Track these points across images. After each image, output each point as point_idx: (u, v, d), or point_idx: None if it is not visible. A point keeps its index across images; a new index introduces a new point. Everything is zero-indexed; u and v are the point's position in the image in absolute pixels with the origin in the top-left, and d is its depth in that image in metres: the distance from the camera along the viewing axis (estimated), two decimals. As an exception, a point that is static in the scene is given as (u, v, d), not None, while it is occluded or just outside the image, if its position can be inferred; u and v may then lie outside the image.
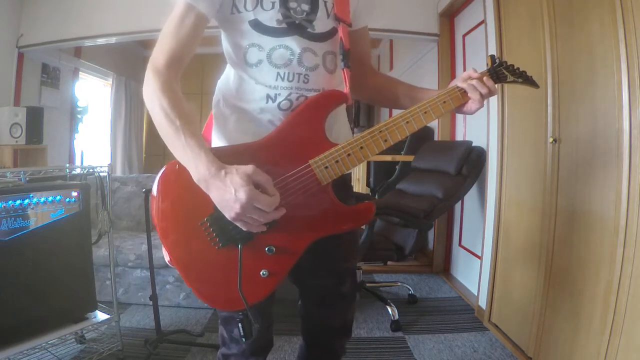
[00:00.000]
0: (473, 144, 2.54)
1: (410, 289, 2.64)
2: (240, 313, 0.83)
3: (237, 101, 0.90)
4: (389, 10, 3.08)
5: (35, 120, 3.28)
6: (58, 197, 1.67)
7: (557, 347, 1.59)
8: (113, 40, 3.35)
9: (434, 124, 3.34)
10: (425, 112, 0.88)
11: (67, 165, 2.35)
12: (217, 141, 0.93)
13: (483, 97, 0.89)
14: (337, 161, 0.84)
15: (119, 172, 5.03)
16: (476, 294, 2.42)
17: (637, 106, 1.23)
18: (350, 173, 1.00)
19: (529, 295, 1.80)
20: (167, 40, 0.83)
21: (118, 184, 3.07)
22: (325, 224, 0.86)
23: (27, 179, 1.72)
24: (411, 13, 3.09)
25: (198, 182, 0.74)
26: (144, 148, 5.70)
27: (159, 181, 0.84)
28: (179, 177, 0.81)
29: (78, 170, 2.11)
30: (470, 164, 2.44)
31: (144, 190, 1.98)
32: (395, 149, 3.54)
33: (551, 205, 1.66)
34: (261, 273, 0.82)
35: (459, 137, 3.05)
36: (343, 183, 0.95)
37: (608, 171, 1.35)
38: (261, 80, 0.88)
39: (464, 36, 2.93)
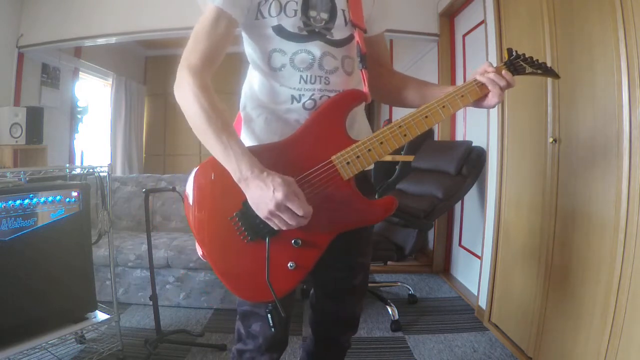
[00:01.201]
0: (473, 144, 2.54)
1: (410, 289, 2.65)
2: (270, 305, 0.87)
3: (263, 104, 0.95)
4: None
5: (35, 120, 3.28)
6: (58, 197, 1.67)
7: (557, 347, 1.59)
8: (113, 40, 3.35)
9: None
10: (444, 107, 0.91)
11: (67, 165, 2.35)
12: (247, 141, 0.97)
13: (502, 89, 0.91)
14: (358, 156, 0.87)
15: (119, 172, 5.02)
16: (476, 294, 2.42)
17: (637, 106, 1.23)
18: (371, 169, 1.04)
19: (529, 295, 1.80)
20: (200, 42, 0.85)
21: (118, 184, 3.07)
22: (350, 218, 0.90)
23: (27, 179, 1.72)
24: (411, 13, 3.09)
25: (238, 182, 0.80)
26: (144, 148, 5.70)
27: (193, 180, 0.89)
28: (211, 176, 0.87)
29: (78, 170, 2.11)
30: (470, 164, 2.44)
31: (144, 190, 1.98)
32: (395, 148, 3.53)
33: (551, 205, 1.66)
34: (288, 265, 0.86)
35: (459, 137, 3.05)
36: (364, 178, 0.99)
37: (608, 171, 1.35)
38: (285, 83, 0.92)
39: (464, 36, 2.93)
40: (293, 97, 0.92)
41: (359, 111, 1.00)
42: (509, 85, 0.92)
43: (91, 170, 1.88)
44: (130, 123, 5.23)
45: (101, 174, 1.84)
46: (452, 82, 3.05)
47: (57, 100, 3.91)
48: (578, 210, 1.52)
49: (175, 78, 0.85)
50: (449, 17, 3.10)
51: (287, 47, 0.91)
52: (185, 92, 0.82)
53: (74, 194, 1.73)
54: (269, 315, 0.87)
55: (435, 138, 3.33)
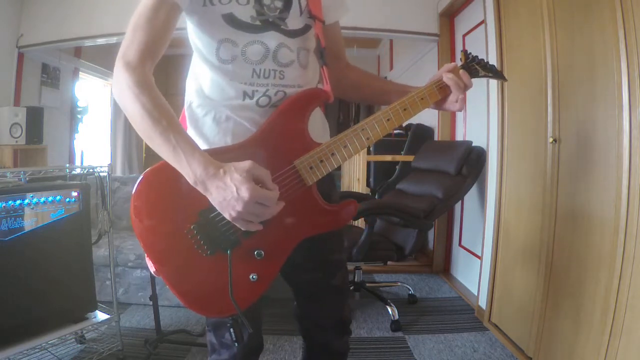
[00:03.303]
0: (473, 144, 2.54)
1: (410, 289, 2.64)
2: (231, 318, 0.80)
3: (211, 100, 0.87)
4: (389, 10, 3.09)
5: (35, 120, 3.28)
6: (58, 197, 1.67)
7: (557, 347, 1.59)
8: (113, 40, 3.34)
9: (434, 123, 3.34)
10: (405, 109, 0.90)
11: (67, 165, 2.35)
12: None
13: (460, 91, 0.91)
14: (321, 161, 0.83)
15: (119, 172, 5.02)
16: (476, 294, 2.42)
17: (637, 106, 1.23)
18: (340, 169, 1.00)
19: (529, 295, 1.80)
20: (139, 33, 0.77)
21: (118, 184, 3.07)
22: (311, 224, 0.86)
23: (27, 179, 1.72)
24: (411, 13, 3.09)
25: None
26: (144, 148, 5.69)
27: (139, 189, 0.79)
28: (161, 183, 0.79)
29: (78, 170, 2.11)
30: (470, 164, 2.44)
31: (144, 190, 1.98)
32: (395, 149, 3.54)
33: (551, 205, 1.66)
34: (250, 277, 0.81)
35: (459, 137, 3.05)
36: (328, 178, 0.93)
37: (608, 171, 1.35)
38: (236, 77, 0.85)
39: (464, 36, 2.93)
40: (245, 94, 0.85)
41: (316, 111, 0.93)
42: (466, 87, 0.92)
43: (91, 170, 1.88)
44: (130, 123, 5.22)
45: (101, 174, 1.84)
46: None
47: (57, 100, 3.91)
48: (578, 210, 1.52)
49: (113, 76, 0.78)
50: (449, 17, 3.10)
51: (239, 38, 0.83)
52: (123, 91, 0.74)
53: (74, 194, 1.73)
54: (231, 330, 0.80)
55: (436, 138, 3.33)
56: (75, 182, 1.87)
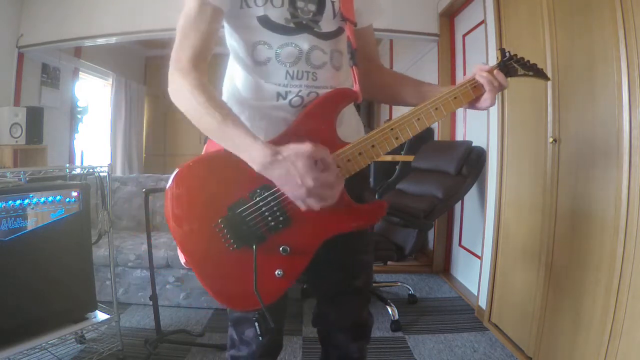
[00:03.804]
0: (473, 144, 2.54)
1: (410, 289, 2.64)
2: (256, 313, 0.83)
3: (246, 100, 0.90)
4: (389, 10, 3.08)
5: (35, 120, 3.27)
6: (58, 197, 1.67)
7: (557, 347, 1.59)
8: (113, 40, 3.35)
9: (434, 123, 3.34)
10: (436, 109, 0.88)
11: (67, 165, 2.35)
12: None
13: (496, 91, 0.90)
14: (349, 160, 0.84)
15: (119, 172, 5.02)
16: (476, 294, 2.42)
17: (637, 106, 1.23)
18: (369, 167, 0.99)
19: (529, 295, 1.80)
20: (187, 37, 0.82)
21: (118, 184, 3.07)
22: (338, 222, 0.86)
23: (27, 179, 1.72)
24: (411, 13, 3.09)
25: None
26: (144, 148, 5.70)
27: (175, 182, 0.83)
28: (193, 179, 0.82)
29: (78, 170, 2.12)
30: (470, 164, 2.44)
31: (144, 190, 1.98)
32: (395, 148, 3.53)
33: (551, 205, 1.66)
34: (276, 273, 0.82)
35: (459, 137, 3.05)
36: (361, 178, 0.94)
37: (608, 171, 1.35)
38: (270, 78, 0.88)
39: (464, 36, 2.93)
40: (279, 94, 0.87)
41: (347, 110, 0.95)
42: (501, 87, 0.90)
43: (91, 170, 1.88)
44: (130, 123, 5.23)
45: (101, 174, 1.84)
46: (452, 82, 3.05)
47: (57, 100, 3.91)
48: (578, 210, 1.52)
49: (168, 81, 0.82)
50: (449, 17, 3.10)
51: (273, 40, 0.86)
52: (179, 94, 0.79)
53: (74, 194, 1.73)
54: (256, 324, 0.84)
55: (435, 138, 3.33)
56: (75, 182, 1.87)
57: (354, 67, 0.92)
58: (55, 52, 3.71)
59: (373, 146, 0.85)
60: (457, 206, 2.96)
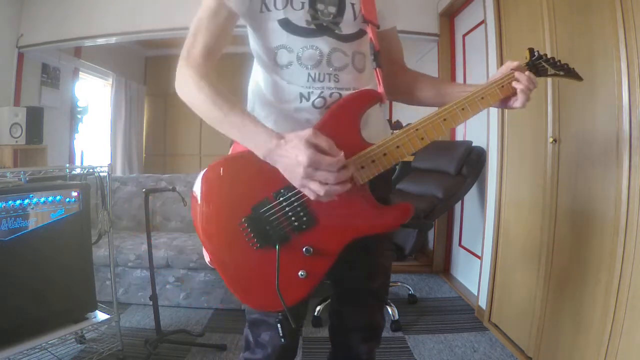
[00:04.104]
0: (473, 144, 2.54)
1: (410, 289, 2.64)
2: (279, 314, 0.84)
3: (271, 102, 0.91)
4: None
5: (35, 120, 3.27)
6: (58, 197, 1.67)
7: (557, 347, 1.59)
8: (113, 40, 3.35)
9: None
10: (463, 109, 0.87)
11: (67, 165, 2.35)
12: None
13: (526, 92, 0.89)
14: (373, 161, 0.83)
15: (119, 172, 5.02)
16: (476, 294, 2.42)
17: (637, 106, 1.23)
18: (394, 170, 0.99)
19: (529, 295, 1.80)
20: (200, 35, 0.84)
21: (118, 184, 3.07)
22: (362, 224, 0.86)
23: (27, 179, 1.72)
24: (411, 13, 3.09)
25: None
26: (144, 148, 5.70)
27: (201, 182, 0.85)
28: (218, 179, 0.84)
29: (78, 170, 2.11)
30: (470, 164, 2.44)
31: (144, 190, 1.98)
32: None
33: (551, 205, 1.66)
34: (299, 274, 0.82)
35: (459, 137, 3.05)
36: (384, 180, 0.94)
37: (608, 171, 1.35)
38: (293, 80, 0.88)
39: (464, 36, 2.93)
40: (302, 96, 0.88)
41: (373, 111, 0.94)
42: (528, 87, 0.89)
43: (91, 170, 1.88)
44: (130, 123, 5.23)
45: (101, 174, 1.84)
46: (452, 82, 3.05)
47: (57, 100, 3.91)
48: (578, 210, 1.52)
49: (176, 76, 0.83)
50: (449, 17, 3.10)
51: (294, 43, 0.87)
52: (188, 86, 0.81)
53: (74, 194, 1.73)
54: (279, 325, 0.84)
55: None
56: (75, 182, 1.87)
57: (377, 69, 0.92)
58: (55, 52, 3.71)
59: (398, 147, 0.84)
60: (457, 206, 2.96)
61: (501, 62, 2.09)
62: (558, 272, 1.62)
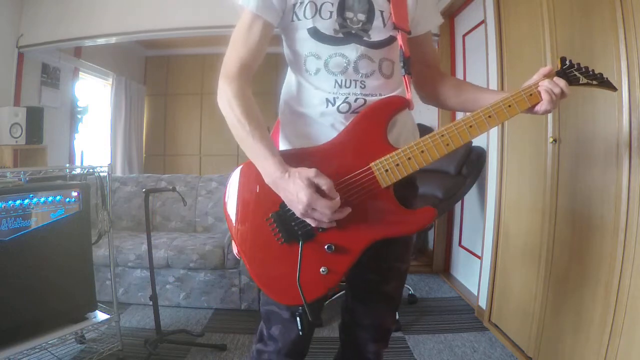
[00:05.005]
0: (473, 144, 2.54)
1: (410, 289, 2.64)
2: (300, 308, 0.86)
3: (298, 107, 0.95)
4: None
5: (35, 120, 3.27)
6: (58, 197, 1.67)
7: (557, 347, 1.59)
8: (113, 40, 3.35)
9: (434, 123, 3.34)
10: (490, 117, 0.88)
11: (67, 165, 2.35)
12: (282, 145, 0.99)
13: (556, 99, 0.88)
14: (397, 164, 0.86)
15: (119, 172, 5.01)
16: (476, 294, 2.42)
17: (637, 106, 1.23)
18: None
19: (529, 295, 1.80)
20: (237, 48, 0.89)
21: (118, 184, 3.07)
22: (385, 226, 0.88)
23: (27, 179, 1.72)
24: (411, 13, 3.08)
25: (268, 183, 0.83)
26: (144, 148, 5.69)
27: (237, 176, 0.91)
28: (252, 175, 0.88)
29: (78, 170, 2.12)
30: (470, 164, 2.44)
31: (144, 190, 1.98)
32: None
33: (551, 206, 1.66)
34: (321, 270, 0.85)
35: (459, 137, 3.04)
36: (409, 185, 0.98)
37: (608, 171, 1.35)
38: (320, 86, 0.92)
39: (464, 36, 2.93)
40: (327, 101, 0.91)
41: (401, 117, 0.96)
42: (563, 94, 0.88)
43: (91, 170, 1.88)
44: (130, 123, 5.23)
45: (101, 174, 1.84)
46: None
47: (57, 100, 3.91)
48: (578, 210, 1.52)
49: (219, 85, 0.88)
50: (449, 17, 3.10)
51: (322, 51, 0.90)
52: (223, 101, 0.86)
53: (74, 194, 1.73)
54: (298, 319, 0.87)
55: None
56: (75, 182, 1.87)
57: (406, 76, 0.93)
58: (55, 52, 3.71)
59: (422, 152, 0.87)
60: (457, 206, 2.96)
61: (501, 62, 2.09)
62: (558, 272, 1.62)
